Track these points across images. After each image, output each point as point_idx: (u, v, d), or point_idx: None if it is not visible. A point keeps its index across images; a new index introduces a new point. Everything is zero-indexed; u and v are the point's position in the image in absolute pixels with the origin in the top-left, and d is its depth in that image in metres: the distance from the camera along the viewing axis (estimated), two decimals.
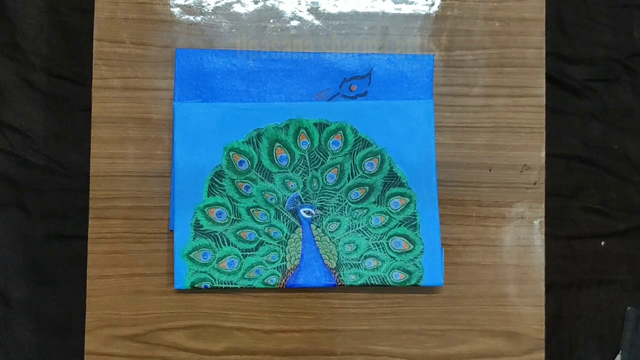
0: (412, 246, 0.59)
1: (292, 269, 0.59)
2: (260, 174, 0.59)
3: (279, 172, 0.59)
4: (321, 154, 0.60)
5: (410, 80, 0.61)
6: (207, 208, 0.59)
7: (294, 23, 0.62)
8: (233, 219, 0.59)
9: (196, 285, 0.59)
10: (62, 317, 0.68)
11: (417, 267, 0.59)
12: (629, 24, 0.72)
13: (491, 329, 0.61)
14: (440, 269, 0.59)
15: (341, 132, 0.60)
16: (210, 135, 0.59)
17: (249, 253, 0.59)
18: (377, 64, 0.61)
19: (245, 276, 0.59)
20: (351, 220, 0.60)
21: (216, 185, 0.59)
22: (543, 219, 0.62)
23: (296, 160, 0.60)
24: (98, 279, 0.60)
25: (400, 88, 0.61)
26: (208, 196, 0.59)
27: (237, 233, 0.59)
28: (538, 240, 0.62)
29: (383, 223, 0.60)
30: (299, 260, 0.59)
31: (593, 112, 0.72)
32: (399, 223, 0.60)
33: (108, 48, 0.61)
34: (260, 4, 0.62)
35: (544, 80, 0.62)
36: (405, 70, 0.61)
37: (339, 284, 0.59)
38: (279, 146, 0.59)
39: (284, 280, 0.59)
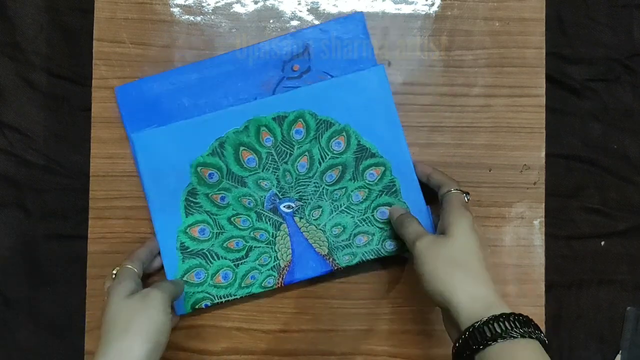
0: None
1: (286, 266, 0.59)
2: (232, 182, 0.59)
3: (250, 174, 0.59)
4: (287, 147, 0.59)
5: (347, 42, 0.61)
6: (188, 228, 0.58)
7: (294, 23, 0.62)
8: (217, 232, 0.58)
9: (197, 307, 0.58)
10: (62, 317, 0.68)
11: None
12: (629, 24, 0.72)
13: None
14: (431, 227, 0.58)
15: (301, 119, 0.59)
16: (175, 157, 0.58)
17: (240, 261, 0.58)
18: (311, 37, 0.61)
19: (242, 285, 0.58)
20: (332, 203, 0.59)
21: (192, 204, 0.58)
22: (543, 219, 0.62)
23: (264, 159, 0.59)
24: (98, 279, 0.60)
25: (341, 53, 0.61)
26: (187, 217, 0.58)
27: (224, 245, 0.58)
28: (538, 240, 0.62)
29: (364, 197, 0.59)
30: (290, 255, 0.59)
31: (593, 112, 0.72)
32: (380, 193, 0.59)
33: (108, 48, 0.61)
34: (260, 4, 0.62)
35: (544, 80, 0.62)
36: (339, 35, 0.61)
37: (335, 268, 0.58)
38: (244, 149, 0.59)
39: (280, 279, 0.59)
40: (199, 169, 0.58)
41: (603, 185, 0.72)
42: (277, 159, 0.59)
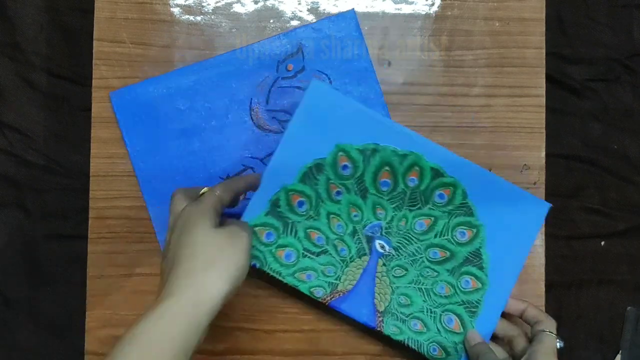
0: (462, 330, 0.57)
1: (341, 291, 0.56)
2: (357, 187, 0.57)
3: (375, 194, 0.57)
4: (422, 199, 0.57)
5: (340, 40, 0.61)
6: (292, 192, 0.56)
7: (294, 23, 0.62)
8: (311, 215, 0.57)
9: None
10: (62, 317, 0.68)
11: (457, 352, 0.57)
12: (629, 24, 0.72)
13: None
14: None
15: (452, 188, 0.57)
16: (329, 126, 0.56)
17: (309, 255, 0.56)
18: (304, 37, 0.61)
19: (296, 275, 0.56)
20: (418, 276, 0.57)
21: (311, 176, 0.56)
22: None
23: (396, 192, 0.57)
24: (98, 279, 0.60)
25: (335, 51, 0.61)
26: (299, 182, 0.56)
27: (308, 230, 0.57)
28: (538, 240, 0.62)
29: (446, 294, 0.57)
30: (352, 286, 0.57)
31: (593, 112, 0.72)
32: (461, 302, 0.57)
33: (108, 48, 0.61)
34: (260, 4, 0.62)
35: (544, 80, 0.62)
36: (332, 33, 0.61)
37: (379, 329, 0.57)
38: (387, 171, 0.57)
39: (329, 298, 0.56)
40: (340, 154, 0.56)
41: (603, 185, 0.72)
42: (405, 202, 0.57)
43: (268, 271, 0.56)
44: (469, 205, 0.57)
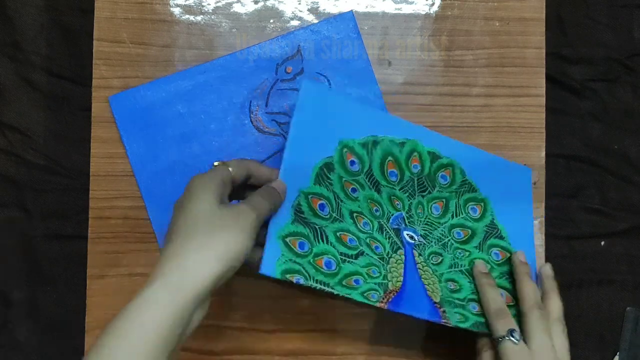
0: (514, 302, 0.56)
1: (394, 290, 0.53)
2: (369, 182, 0.56)
3: (387, 186, 0.57)
4: (429, 183, 0.59)
5: (339, 42, 0.61)
6: (311, 196, 0.53)
7: (294, 23, 0.62)
8: (335, 217, 0.54)
9: (288, 276, 0.49)
10: (62, 317, 0.68)
11: (519, 323, 0.54)
12: (629, 24, 0.72)
13: None
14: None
15: (451, 168, 0.59)
16: (328, 123, 0.56)
17: (348, 259, 0.53)
18: (303, 38, 0.61)
19: (344, 283, 0.51)
20: (454, 259, 0.57)
21: (324, 177, 0.55)
22: (543, 219, 0.62)
23: (405, 180, 0.58)
24: (98, 279, 0.60)
25: (333, 52, 0.61)
26: (314, 184, 0.54)
27: (338, 234, 0.53)
28: (538, 240, 0.62)
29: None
30: (401, 283, 0.54)
31: (593, 112, 0.72)
32: (500, 275, 0.58)
33: (108, 48, 0.61)
34: (260, 4, 0.62)
35: (544, 80, 0.62)
36: (330, 34, 0.61)
37: (445, 321, 0.53)
38: (391, 161, 0.58)
39: (385, 300, 0.52)
40: (344, 150, 0.56)
41: (603, 185, 0.71)
42: (416, 188, 0.58)
43: (315, 285, 0.50)
44: (469, 181, 0.60)
